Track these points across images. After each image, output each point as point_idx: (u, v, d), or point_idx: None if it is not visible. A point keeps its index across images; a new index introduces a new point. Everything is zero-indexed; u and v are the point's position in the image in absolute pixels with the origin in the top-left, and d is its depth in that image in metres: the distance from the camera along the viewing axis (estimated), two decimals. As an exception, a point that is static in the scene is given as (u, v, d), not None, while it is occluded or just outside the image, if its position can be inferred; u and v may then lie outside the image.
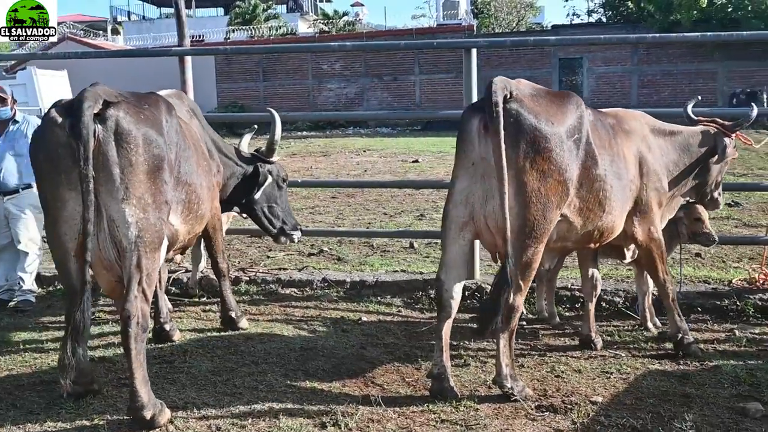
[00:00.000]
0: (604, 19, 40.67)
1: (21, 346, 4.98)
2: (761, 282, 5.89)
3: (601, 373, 4.43)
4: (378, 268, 6.79)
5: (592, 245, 4.50)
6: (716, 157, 4.88)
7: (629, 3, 36.78)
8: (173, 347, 4.87)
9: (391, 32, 39.62)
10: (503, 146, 3.70)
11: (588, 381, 4.30)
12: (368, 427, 3.67)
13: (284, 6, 53.94)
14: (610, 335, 5.16)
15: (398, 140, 26.52)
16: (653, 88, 32.63)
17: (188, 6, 55.51)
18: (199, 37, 41.75)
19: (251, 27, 44.45)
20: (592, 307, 4.94)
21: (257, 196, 5.18)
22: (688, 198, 5.14)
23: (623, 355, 4.76)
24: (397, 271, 6.62)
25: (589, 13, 43.35)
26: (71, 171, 3.52)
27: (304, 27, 50.36)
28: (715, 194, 5.14)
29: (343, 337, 5.14)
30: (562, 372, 4.45)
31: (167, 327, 4.93)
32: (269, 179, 5.20)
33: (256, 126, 6.01)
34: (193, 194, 4.14)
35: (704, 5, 30.36)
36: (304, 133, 32.47)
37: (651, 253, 4.69)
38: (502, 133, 3.71)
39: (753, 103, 5.35)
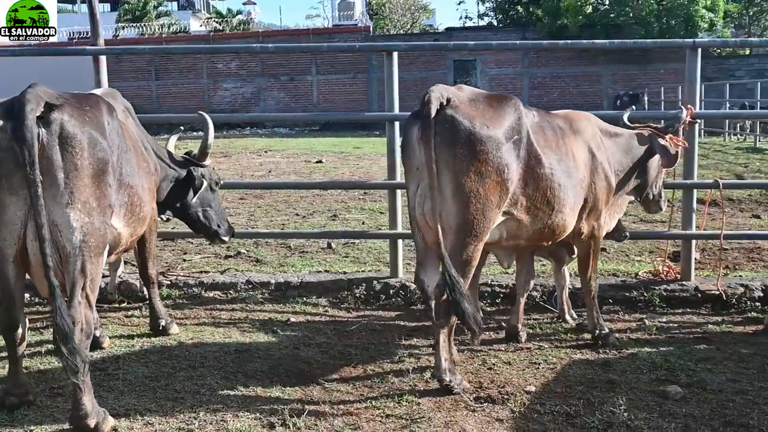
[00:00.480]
0: (495, 22, 41.90)
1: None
2: (664, 274, 6.30)
3: (529, 364, 4.64)
4: (301, 269, 6.83)
5: (545, 243, 4.68)
6: (655, 157, 5.19)
7: (519, 7, 38.05)
8: (104, 354, 4.75)
9: (287, 32, 39.48)
10: (433, 154, 3.89)
11: (519, 372, 4.50)
12: (316, 425, 3.72)
13: (175, 3, 52.74)
14: (532, 328, 5.40)
15: (298, 141, 26.46)
16: (543, 89, 33.95)
17: (72, 1, 53.46)
18: (86, 34, 40.21)
19: (142, 24, 43.23)
20: (522, 300, 5.16)
21: (194, 200, 5.12)
22: (632, 199, 5.45)
23: (547, 346, 4.99)
24: (320, 271, 6.68)
25: (481, 16, 44.57)
26: (12, 175, 3.41)
27: (196, 25, 49.40)
28: (657, 196, 5.44)
29: (275, 339, 5.15)
30: (494, 365, 4.63)
31: (96, 333, 4.80)
32: (204, 183, 5.15)
33: (182, 127, 5.92)
34: (135, 196, 4.07)
35: (589, 11, 31.86)
36: (200, 133, 31.87)
37: (589, 249, 4.96)
38: (433, 141, 3.90)
39: (682, 106, 5.67)
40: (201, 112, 5.50)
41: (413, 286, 6.12)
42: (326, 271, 6.68)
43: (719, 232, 6.16)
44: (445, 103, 3.99)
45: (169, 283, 6.35)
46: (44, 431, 3.63)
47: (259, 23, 51.98)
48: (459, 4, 66.59)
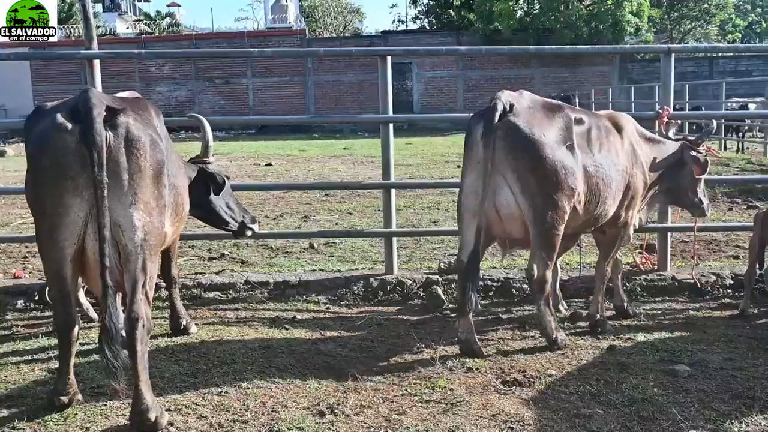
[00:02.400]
0: (427, 26, 42.50)
1: (13, 360, 4.80)
2: (642, 265, 6.71)
3: (540, 350, 4.92)
4: (295, 268, 6.97)
5: (589, 230, 5.27)
6: (686, 166, 5.62)
7: (451, 11, 38.72)
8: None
9: (222, 35, 39.12)
10: (493, 154, 4.56)
11: (534, 358, 4.77)
12: (363, 412, 3.90)
13: (100, 4, 51.52)
14: (529, 318, 5.68)
15: (239, 144, 26.37)
16: (477, 92, 34.68)
17: None
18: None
19: (67, 26, 42.14)
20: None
21: (218, 196, 5.20)
22: (659, 202, 5.92)
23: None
24: (315, 270, 6.84)
25: (414, 19, 45.11)
26: (78, 177, 3.50)
27: (122, 27, 48.45)
28: (698, 202, 5.80)
29: (290, 335, 5.29)
30: (508, 352, 4.90)
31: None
32: (226, 180, 5.26)
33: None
34: (179, 196, 4.17)
35: (520, 15, 32.72)
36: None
37: (617, 236, 5.41)
38: (494, 143, 4.55)
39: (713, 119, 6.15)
40: (194, 114, 5.61)
41: (409, 281, 6.38)
42: (321, 270, 6.84)
43: (693, 224, 6.59)
44: (508, 109, 4.54)
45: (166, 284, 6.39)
46: (100, 428, 3.71)
47: (185, 26, 51.31)
48: (392, 7, 67.74)
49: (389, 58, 6.36)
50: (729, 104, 21.99)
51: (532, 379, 4.36)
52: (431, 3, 41.20)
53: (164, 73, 35.83)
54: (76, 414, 3.86)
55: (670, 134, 5.91)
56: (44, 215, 3.61)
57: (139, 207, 3.59)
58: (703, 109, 22.80)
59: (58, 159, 3.51)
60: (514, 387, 4.26)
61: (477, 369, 4.57)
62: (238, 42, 34.27)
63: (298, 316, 5.78)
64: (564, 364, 4.65)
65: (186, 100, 35.87)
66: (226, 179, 5.43)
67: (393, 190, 6.52)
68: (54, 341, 5.11)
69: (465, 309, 4.73)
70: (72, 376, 3.92)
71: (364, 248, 7.88)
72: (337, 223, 9.59)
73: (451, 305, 6.03)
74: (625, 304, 5.75)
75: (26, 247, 8.42)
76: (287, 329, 5.44)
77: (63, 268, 3.65)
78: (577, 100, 30.30)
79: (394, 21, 56.65)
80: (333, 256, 7.59)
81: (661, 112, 6.26)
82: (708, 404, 3.99)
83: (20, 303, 6.19)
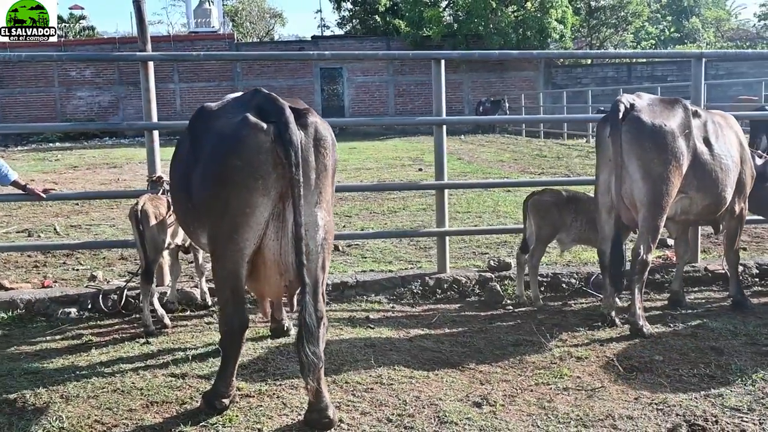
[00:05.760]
0: (352, 31, 42.63)
1: (122, 367, 4.69)
2: (673, 257, 7.10)
3: (631, 338, 5.16)
4: (344, 269, 7.01)
5: (707, 218, 5.67)
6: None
7: (377, 17, 38.99)
8: (251, 357, 4.78)
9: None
10: (621, 148, 5.04)
11: (632, 346, 4.99)
12: (514, 401, 4.05)
13: (6, 6, 49.25)
14: (593, 311, 5.94)
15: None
16: (408, 97, 35.11)
17: None
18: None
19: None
20: (683, 268, 6.20)
21: None
22: None
23: (626, 325, 5.51)
24: (365, 271, 6.90)
25: (339, 24, 45.11)
26: (268, 177, 3.49)
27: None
28: None
29: (381, 334, 5.35)
30: (603, 341, 5.13)
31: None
32: None
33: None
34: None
35: (449, 21, 33.35)
36: (58, 144, 30.21)
37: (738, 225, 5.87)
38: (621, 138, 5.06)
39: None
40: None
41: (464, 279, 6.54)
42: (371, 270, 6.90)
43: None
44: (629, 108, 5.00)
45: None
46: (271, 430, 3.72)
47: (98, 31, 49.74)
48: (317, 12, 67.78)
49: (443, 62, 6.50)
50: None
51: (644, 365, 4.60)
52: (356, 9, 41.40)
53: (86, 78, 34.61)
54: (237, 416, 3.84)
55: None
56: (226, 215, 3.56)
57: (322, 206, 3.63)
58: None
59: (251, 159, 3.48)
60: (635, 372, 4.49)
61: (586, 358, 4.78)
62: (165, 46, 33.42)
63: (371, 316, 5.85)
64: (662, 350, 4.90)
65: (109, 106, 34.79)
66: None
67: (446, 191, 6.66)
68: (145, 348, 5.09)
69: (610, 293, 5.47)
70: (234, 379, 3.90)
71: (389, 249, 7.98)
72: (344, 226, 9.65)
73: (508, 301, 6.23)
74: (681, 291, 6.11)
75: (30, 256, 8.14)
76: (372, 328, 5.50)
77: (240, 269, 3.63)
78: (507, 105, 31.22)
79: (319, 26, 56.52)
80: (366, 258, 7.66)
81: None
82: (817, 380, 4.34)
83: (74, 312, 6.01)
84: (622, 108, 5.06)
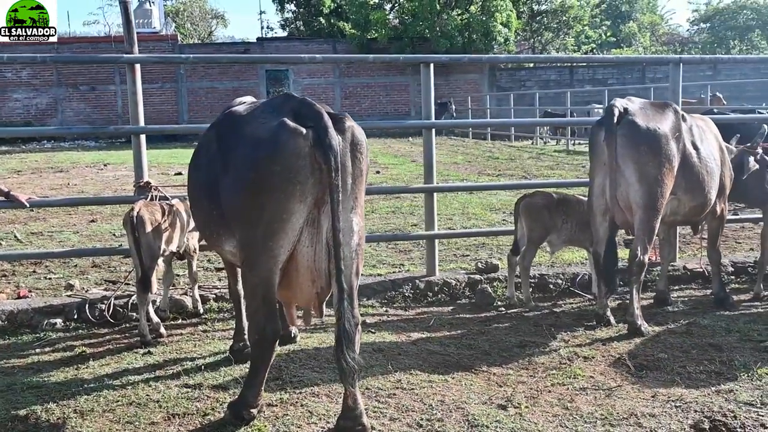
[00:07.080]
0: (296, 33, 42.42)
1: (130, 379, 4.56)
2: (653, 257, 7.28)
3: (630, 337, 5.27)
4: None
5: (693, 219, 5.82)
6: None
7: (321, 19, 38.91)
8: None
9: (85, 39, 37.02)
10: (616, 152, 5.07)
11: (634, 345, 5.10)
12: (537, 402, 4.08)
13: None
14: (583, 311, 6.05)
15: (120, 153, 25.11)
16: (354, 99, 35.09)
17: None
18: None
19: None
20: (666, 268, 6.48)
21: None
22: None
23: (621, 324, 5.62)
24: (354, 275, 6.85)
25: (282, 26, 44.79)
26: (306, 182, 3.43)
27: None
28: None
29: (383, 338, 5.34)
30: (605, 341, 5.23)
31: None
32: None
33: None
34: None
35: (395, 24, 33.47)
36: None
37: (719, 225, 6.09)
38: (616, 142, 5.05)
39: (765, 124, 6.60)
40: None
41: (454, 282, 6.58)
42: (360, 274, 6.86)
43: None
44: (623, 112, 5.04)
45: (214, 296, 6.23)
46: (303, 437, 3.67)
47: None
48: (261, 13, 67.28)
49: (431, 65, 6.53)
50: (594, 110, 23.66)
51: (652, 363, 4.70)
52: (300, 10, 41.20)
53: (22, 80, 33.53)
54: (265, 426, 3.78)
55: None
56: (261, 222, 3.49)
57: (357, 211, 3.60)
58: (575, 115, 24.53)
59: (290, 164, 3.41)
60: (645, 371, 4.59)
61: (593, 357, 4.87)
62: (105, 47, 32.60)
63: (367, 320, 5.81)
64: (665, 348, 5.02)
65: (47, 108, 33.77)
66: None
67: (435, 194, 6.68)
68: (149, 359, 4.97)
69: (604, 294, 5.59)
70: (262, 389, 3.84)
71: (371, 253, 7.95)
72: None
73: (499, 302, 6.30)
74: (668, 290, 6.31)
75: (-1, 264, 7.84)
76: (373, 332, 5.48)
77: (273, 276, 3.57)
78: (453, 107, 31.49)
79: (263, 28, 56.00)
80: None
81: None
82: (817, 373, 4.51)
83: (59, 323, 5.82)
84: (616, 112, 5.15)
